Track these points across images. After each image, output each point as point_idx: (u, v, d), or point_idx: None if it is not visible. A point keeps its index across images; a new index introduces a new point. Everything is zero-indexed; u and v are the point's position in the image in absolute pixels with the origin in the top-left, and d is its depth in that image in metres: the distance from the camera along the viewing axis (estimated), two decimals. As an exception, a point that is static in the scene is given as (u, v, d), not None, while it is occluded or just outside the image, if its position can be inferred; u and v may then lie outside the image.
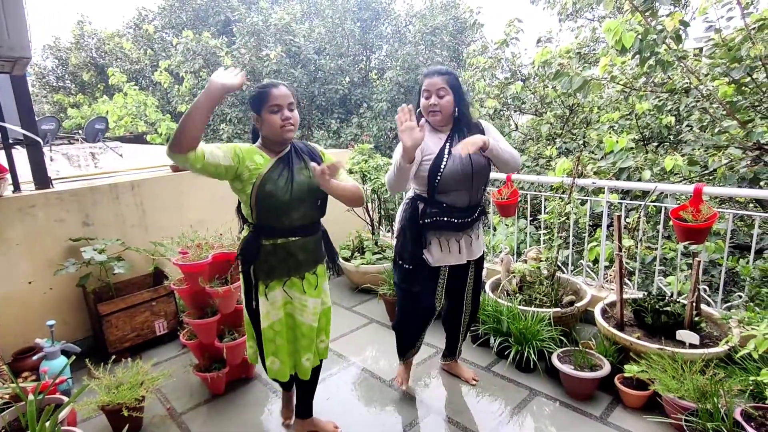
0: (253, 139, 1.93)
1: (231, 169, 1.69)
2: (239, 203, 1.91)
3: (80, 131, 9.31)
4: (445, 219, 2.09)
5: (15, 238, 2.71)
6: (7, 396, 2.04)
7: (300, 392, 2.13)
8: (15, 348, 2.69)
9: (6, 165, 2.80)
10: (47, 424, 1.67)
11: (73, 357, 2.33)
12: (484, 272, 3.11)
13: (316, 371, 2.07)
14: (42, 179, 2.98)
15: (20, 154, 3.06)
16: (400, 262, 2.20)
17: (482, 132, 2.11)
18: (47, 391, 1.97)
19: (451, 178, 2.02)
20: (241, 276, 1.91)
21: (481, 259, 2.37)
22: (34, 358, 2.46)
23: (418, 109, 2.08)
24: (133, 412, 2.10)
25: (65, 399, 2.00)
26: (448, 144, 2.05)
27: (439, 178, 2.02)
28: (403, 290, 2.28)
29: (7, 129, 2.84)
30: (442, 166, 2.01)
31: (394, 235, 2.28)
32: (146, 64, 12.54)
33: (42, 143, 3.03)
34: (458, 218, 2.10)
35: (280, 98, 1.73)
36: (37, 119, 3.03)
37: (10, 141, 2.91)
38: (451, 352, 2.62)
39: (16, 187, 2.88)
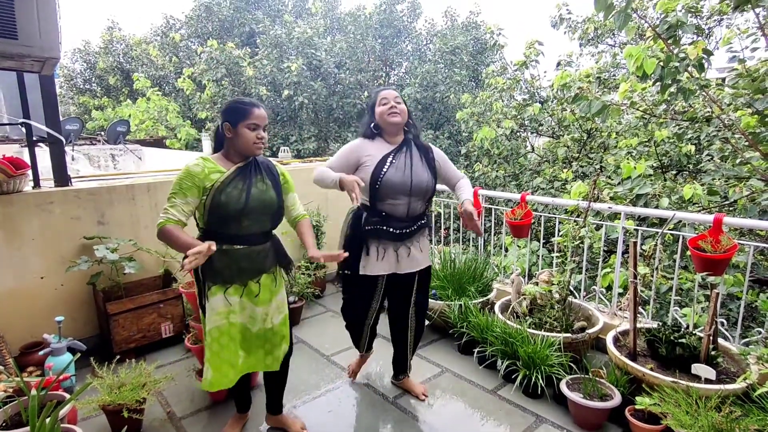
0: (215, 147, 1.96)
1: (200, 199, 1.80)
2: None
3: (102, 133, 9.53)
4: (384, 228, 2.14)
5: (31, 233, 2.75)
6: (11, 390, 2.05)
7: (273, 387, 2.20)
8: (23, 342, 2.71)
9: (28, 161, 2.86)
10: (47, 420, 1.67)
11: (78, 354, 2.34)
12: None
13: (284, 368, 2.12)
14: (62, 177, 3.03)
15: (42, 152, 3.12)
16: (340, 271, 2.29)
17: (432, 155, 2.23)
18: (50, 387, 1.97)
19: (389, 186, 2.07)
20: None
21: (426, 272, 2.36)
22: (41, 353, 2.47)
23: (372, 123, 2.15)
24: (134, 413, 2.09)
25: (67, 396, 1.99)
26: (393, 153, 2.11)
27: (378, 185, 2.07)
28: (343, 295, 2.43)
29: (32, 126, 2.91)
30: (382, 173, 2.07)
31: (340, 244, 2.30)
32: (170, 71, 12.86)
33: (65, 142, 3.10)
34: (396, 228, 2.14)
35: (260, 119, 1.81)
36: (62, 119, 3.11)
37: (34, 138, 2.98)
38: (401, 370, 2.59)
39: (36, 183, 2.94)
